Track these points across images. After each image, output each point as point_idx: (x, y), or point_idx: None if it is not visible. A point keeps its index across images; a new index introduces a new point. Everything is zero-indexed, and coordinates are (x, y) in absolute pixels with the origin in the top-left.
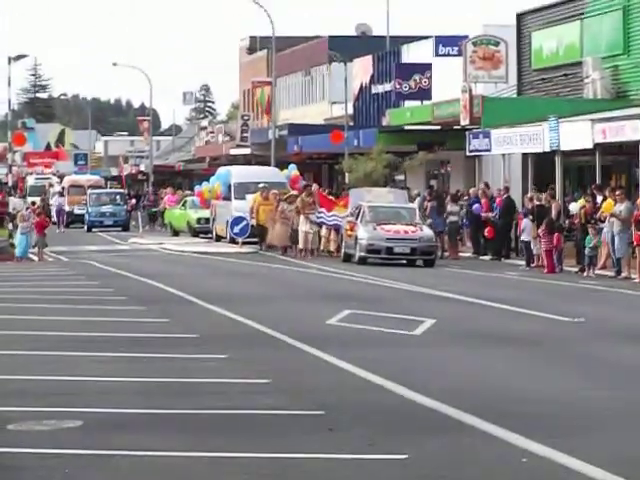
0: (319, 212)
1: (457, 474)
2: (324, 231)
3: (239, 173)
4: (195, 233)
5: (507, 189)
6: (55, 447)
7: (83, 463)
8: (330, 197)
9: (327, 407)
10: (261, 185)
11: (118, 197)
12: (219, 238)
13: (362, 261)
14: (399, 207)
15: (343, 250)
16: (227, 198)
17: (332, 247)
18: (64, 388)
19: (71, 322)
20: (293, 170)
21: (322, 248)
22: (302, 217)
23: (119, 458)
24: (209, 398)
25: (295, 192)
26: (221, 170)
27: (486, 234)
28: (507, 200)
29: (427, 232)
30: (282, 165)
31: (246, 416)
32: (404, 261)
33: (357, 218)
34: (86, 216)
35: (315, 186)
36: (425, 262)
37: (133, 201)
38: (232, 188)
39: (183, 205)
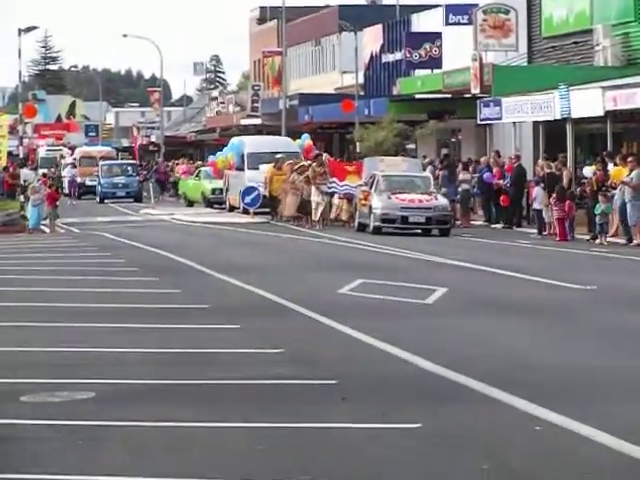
0: (331, 182)
1: (471, 442)
2: (337, 200)
3: (252, 143)
4: (209, 204)
5: (518, 157)
6: (68, 418)
7: (96, 434)
8: (342, 163)
9: (340, 376)
10: (278, 156)
11: (130, 168)
12: (232, 208)
13: (376, 231)
14: (413, 176)
15: (357, 220)
16: (240, 168)
17: (345, 216)
18: (76, 359)
19: (83, 293)
20: (306, 140)
21: (334, 217)
22: (313, 187)
23: (133, 429)
24: (222, 368)
25: (306, 162)
26: (234, 140)
27: (501, 202)
28: (518, 168)
29: (442, 201)
30: (293, 135)
31: (259, 386)
32: (419, 230)
33: (371, 187)
34: (98, 187)
35: (326, 155)
36: (440, 231)
37: (145, 172)
38: (245, 158)
39: (197, 176)
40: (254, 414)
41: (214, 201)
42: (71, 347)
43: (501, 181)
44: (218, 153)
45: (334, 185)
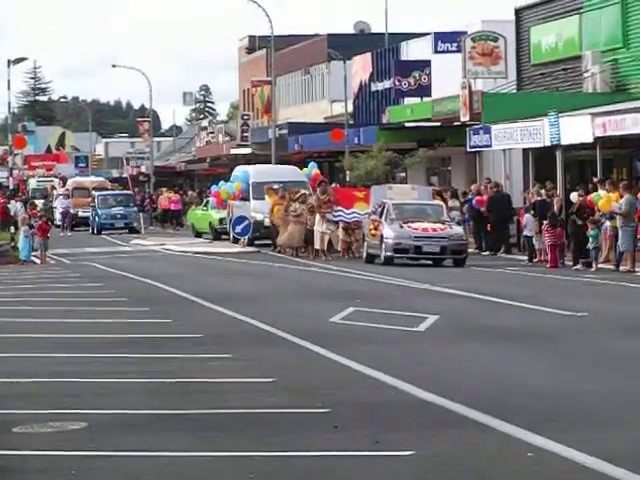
0: (337, 210)
1: (463, 469)
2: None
3: (257, 173)
4: (217, 234)
5: (497, 184)
6: (61, 449)
7: (89, 465)
8: (351, 189)
9: (332, 405)
10: (276, 186)
11: (127, 199)
12: (237, 239)
13: (388, 261)
14: (425, 204)
15: (366, 250)
16: (245, 198)
17: (340, 246)
18: (68, 390)
19: (74, 324)
20: (314, 169)
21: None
22: (318, 216)
23: (125, 459)
24: (214, 398)
25: (304, 191)
26: (238, 170)
27: (488, 228)
28: (496, 195)
29: (457, 230)
30: (283, 164)
31: (251, 415)
32: (430, 262)
33: (381, 216)
34: (95, 219)
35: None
36: (455, 262)
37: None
38: (250, 188)
39: (205, 205)
40: (246, 443)
41: (222, 231)
42: (63, 377)
43: (483, 208)
44: (221, 183)
45: (340, 213)
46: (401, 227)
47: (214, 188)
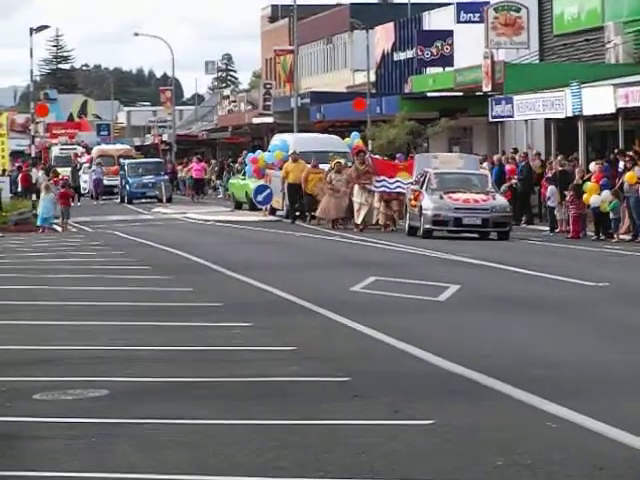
0: (380, 179)
1: (483, 438)
2: (377, 203)
3: (298, 142)
4: (253, 204)
5: (526, 155)
6: (81, 416)
7: (110, 432)
8: (391, 160)
9: (353, 374)
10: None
11: (157, 167)
12: (274, 210)
13: (427, 234)
14: (469, 173)
15: (407, 222)
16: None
17: (382, 220)
18: (88, 357)
19: (95, 292)
20: (356, 138)
21: (376, 221)
22: (356, 187)
23: (145, 426)
24: (234, 366)
25: (339, 160)
26: (276, 139)
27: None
28: (527, 165)
29: (501, 201)
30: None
31: (272, 383)
32: (475, 234)
33: (422, 186)
34: (126, 187)
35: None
36: (499, 235)
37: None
38: (290, 158)
39: (243, 175)
40: (267, 411)
41: None
42: (84, 345)
43: (513, 180)
44: (258, 151)
45: (384, 183)
46: (441, 198)
47: (250, 156)
